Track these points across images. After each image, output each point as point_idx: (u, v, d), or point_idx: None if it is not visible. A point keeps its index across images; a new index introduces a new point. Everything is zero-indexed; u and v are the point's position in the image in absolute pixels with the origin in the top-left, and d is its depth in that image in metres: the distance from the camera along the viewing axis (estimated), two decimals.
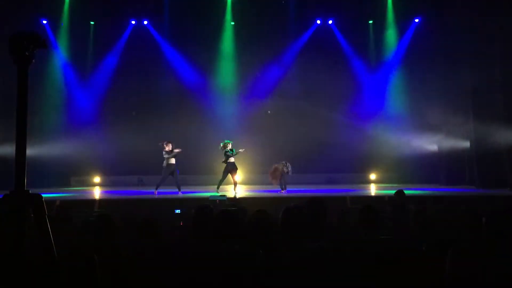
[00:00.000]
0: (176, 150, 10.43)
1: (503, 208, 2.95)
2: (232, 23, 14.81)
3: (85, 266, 2.35)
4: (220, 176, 10.88)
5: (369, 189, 12.31)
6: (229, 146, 10.74)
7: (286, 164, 10.80)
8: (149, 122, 13.86)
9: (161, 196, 10.05)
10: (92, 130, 13.80)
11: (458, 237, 3.10)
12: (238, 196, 9.70)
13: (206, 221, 3.41)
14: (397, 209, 4.95)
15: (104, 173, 14.61)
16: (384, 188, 11.37)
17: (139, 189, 12.47)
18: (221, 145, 10.77)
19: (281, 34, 14.49)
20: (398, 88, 14.56)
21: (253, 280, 2.70)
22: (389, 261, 2.81)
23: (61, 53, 14.34)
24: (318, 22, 14.83)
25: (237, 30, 14.78)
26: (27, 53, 1.85)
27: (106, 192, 11.98)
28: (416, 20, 14.35)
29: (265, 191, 11.15)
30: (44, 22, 14.03)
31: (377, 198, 9.39)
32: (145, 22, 14.74)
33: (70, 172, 14.47)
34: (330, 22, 14.85)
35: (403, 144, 13.72)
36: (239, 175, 11.36)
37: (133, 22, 14.65)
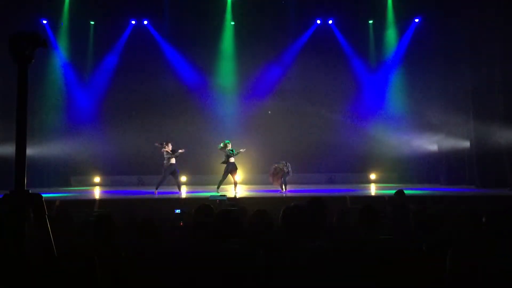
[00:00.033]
0: (180, 151, 10.44)
1: (503, 208, 2.95)
2: (232, 23, 14.81)
3: (85, 266, 2.35)
4: (220, 176, 10.88)
5: (369, 189, 12.31)
6: (229, 146, 10.75)
7: (286, 164, 10.80)
8: (149, 122, 13.87)
9: (161, 196, 10.05)
10: (92, 130, 13.80)
11: (458, 237, 3.10)
12: (238, 196, 9.70)
13: (206, 221, 3.41)
14: (397, 209, 4.95)
15: (104, 173, 14.61)
16: (384, 188, 11.37)
17: (139, 189, 12.47)
18: (221, 145, 10.77)
19: (281, 34, 14.48)
20: (398, 88, 14.54)
21: (253, 280, 2.70)
22: (389, 261, 2.81)
23: (61, 53, 14.33)
24: (318, 22, 14.82)
25: (237, 30, 14.77)
26: (27, 53, 1.85)
27: (106, 192, 11.98)
28: (416, 20, 14.34)
29: (265, 191, 11.15)
30: (44, 22, 14.03)
31: (377, 198, 9.39)
32: (145, 22, 14.73)
33: (70, 172, 14.47)
34: (330, 22, 14.84)
35: (403, 144, 13.72)
36: (239, 175, 11.36)
37: (133, 22, 14.64)
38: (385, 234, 3.46)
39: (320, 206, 3.90)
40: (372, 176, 14.71)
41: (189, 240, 3.44)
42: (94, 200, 8.74)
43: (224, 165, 10.75)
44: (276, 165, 10.88)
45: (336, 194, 9.76)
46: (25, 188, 1.85)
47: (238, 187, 10.91)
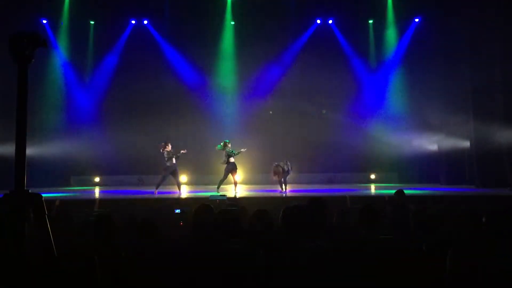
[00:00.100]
0: (182, 151, 10.44)
1: (503, 208, 2.95)
2: (232, 23, 14.81)
3: (85, 266, 2.35)
4: (220, 176, 10.88)
5: (369, 189, 12.31)
6: (229, 146, 10.74)
7: (286, 162, 10.81)
8: (149, 122, 13.86)
9: (161, 196, 10.05)
10: (92, 130, 13.80)
11: (458, 237, 3.10)
12: (238, 195, 9.70)
13: (206, 221, 3.41)
14: (397, 209, 4.95)
15: (104, 173, 14.61)
16: (384, 188, 11.37)
17: (139, 189, 12.47)
18: (221, 144, 10.76)
19: (281, 34, 14.48)
20: (398, 88, 14.55)
21: (253, 280, 2.70)
22: (389, 261, 2.81)
23: (61, 53, 14.34)
24: (318, 21, 14.83)
25: (237, 30, 14.77)
26: (27, 53, 1.85)
27: (106, 192, 11.97)
28: (416, 20, 14.35)
29: (265, 190, 11.15)
30: (44, 21, 14.04)
31: (377, 198, 9.39)
32: (145, 22, 14.74)
33: (70, 172, 14.48)
34: (330, 21, 14.85)
35: (403, 144, 13.72)
36: (239, 175, 11.37)
37: (133, 22, 14.65)
38: (385, 234, 3.46)
39: (320, 206, 3.91)
40: (372, 176, 14.71)
41: (189, 240, 3.44)
42: (94, 200, 8.74)
43: (224, 165, 10.75)
44: (276, 163, 10.89)
45: (336, 194, 9.75)
46: (25, 188, 1.85)
47: (238, 187, 10.91)
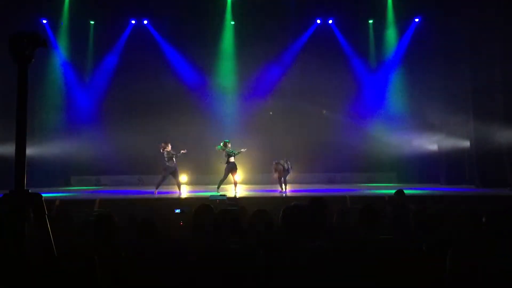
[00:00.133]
0: (182, 151, 10.44)
1: (503, 208, 2.95)
2: (232, 22, 14.82)
3: (85, 266, 2.35)
4: (220, 176, 10.88)
5: (369, 189, 12.31)
6: (229, 146, 10.74)
7: (286, 161, 10.82)
8: (149, 122, 13.87)
9: (161, 195, 10.05)
10: (92, 130, 13.81)
11: (458, 237, 3.10)
12: (238, 195, 9.70)
13: (206, 221, 3.41)
14: (397, 209, 4.95)
15: (104, 172, 14.62)
16: (384, 188, 11.37)
17: (139, 189, 12.47)
18: (221, 144, 10.75)
19: (281, 34, 14.48)
20: (398, 88, 14.56)
21: (253, 280, 2.70)
22: (389, 261, 2.81)
23: (61, 53, 14.35)
24: (318, 21, 14.83)
25: (237, 30, 14.78)
26: (27, 53, 1.85)
27: (106, 191, 11.97)
28: (416, 20, 14.35)
29: (265, 190, 11.15)
30: (44, 21, 14.05)
31: (377, 198, 9.38)
32: (145, 22, 14.74)
33: (70, 172, 14.48)
34: (330, 21, 14.85)
35: (403, 144, 13.72)
36: (239, 175, 11.37)
37: (133, 21, 14.65)
38: (385, 234, 3.46)
39: (320, 206, 3.91)
40: (372, 176, 14.71)
41: (189, 240, 3.44)
42: (94, 200, 8.73)
43: (225, 165, 10.74)
44: (276, 161, 10.89)
45: (336, 194, 9.75)
46: (25, 188, 1.85)
47: (238, 187, 10.90)
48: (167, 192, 10.62)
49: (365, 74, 15.00)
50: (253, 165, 13.45)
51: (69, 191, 11.86)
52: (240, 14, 14.47)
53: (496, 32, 11.66)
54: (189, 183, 13.39)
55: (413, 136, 13.66)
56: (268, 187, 11.87)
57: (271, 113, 14.97)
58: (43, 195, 1.90)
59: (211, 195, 8.94)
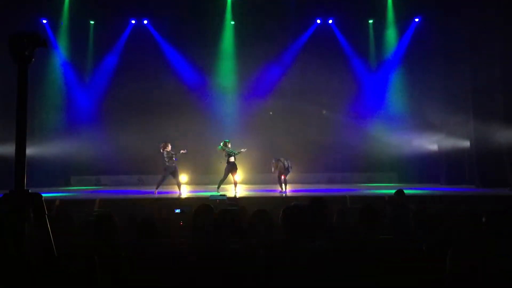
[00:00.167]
0: (182, 151, 10.45)
1: (503, 208, 2.95)
2: (232, 22, 14.82)
3: (85, 266, 2.35)
4: (220, 176, 10.88)
5: (369, 189, 12.31)
6: (229, 145, 10.74)
7: (286, 160, 10.82)
8: (149, 122, 13.87)
9: (161, 195, 10.05)
10: (92, 130, 13.81)
11: (458, 237, 3.10)
12: (238, 195, 9.70)
13: (206, 221, 3.41)
14: (397, 208, 4.95)
15: (104, 172, 14.62)
16: (384, 188, 11.37)
17: (139, 189, 12.48)
18: (221, 144, 10.75)
19: (281, 34, 14.48)
20: (398, 88, 14.56)
21: (253, 280, 2.70)
22: (389, 261, 2.81)
23: (61, 53, 14.36)
24: (318, 21, 14.84)
25: (237, 30, 14.78)
26: (27, 53, 1.85)
27: (106, 191, 11.97)
28: (416, 20, 14.36)
29: (265, 190, 11.15)
30: (44, 21, 14.05)
31: (377, 198, 9.39)
32: (145, 22, 14.75)
33: (70, 172, 14.48)
34: (330, 21, 14.86)
35: (403, 144, 13.72)
36: (239, 175, 11.37)
37: (133, 21, 14.65)
38: (385, 234, 3.46)
39: (320, 206, 3.91)
40: (372, 176, 14.71)
41: (189, 240, 3.44)
42: (94, 200, 8.73)
43: (225, 165, 10.74)
44: (276, 158, 10.88)
45: (336, 194, 9.75)
46: (25, 188, 1.85)
47: (238, 187, 10.90)
48: (167, 192, 10.62)
49: (365, 74, 15.00)
50: (253, 165, 13.46)
51: (69, 191, 11.86)
52: (240, 14, 14.47)
53: (496, 32, 11.66)
54: (189, 183, 13.39)
55: (413, 136, 13.66)
56: (268, 187, 11.87)
57: (271, 113, 14.97)
58: (43, 195, 1.90)
59: (211, 195, 8.94)
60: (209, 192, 10.04)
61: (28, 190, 1.85)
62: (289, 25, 14.57)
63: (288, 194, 10.43)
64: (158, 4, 14.21)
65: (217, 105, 14.65)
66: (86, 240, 3.35)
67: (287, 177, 10.87)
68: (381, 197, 9.01)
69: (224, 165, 10.77)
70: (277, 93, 14.76)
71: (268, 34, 14.05)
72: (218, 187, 10.64)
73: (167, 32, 14.72)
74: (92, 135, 13.69)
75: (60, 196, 9.74)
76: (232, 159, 10.66)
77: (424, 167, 13.92)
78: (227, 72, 14.90)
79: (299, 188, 11.67)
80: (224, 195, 9.01)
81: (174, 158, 10.30)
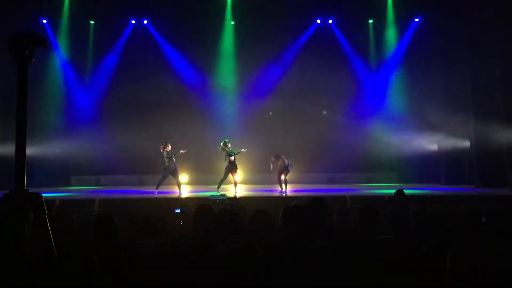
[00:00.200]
0: (182, 151, 10.45)
1: (503, 208, 2.95)
2: (232, 22, 14.82)
3: (85, 266, 2.35)
4: (220, 175, 10.88)
5: (369, 189, 12.31)
6: (229, 145, 10.74)
7: (286, 158, 10.82)
8: (149, 122, 13.88)
9: (161, 195, 10.05)
10: (92, 130, 13.81)
11: (458, 237, 3.10)
12: (238, 195, 9.70)
13: (206, 221, 3.41)
14: (397, 208, 4.95)
15: (104, 172, 14.62)
16: (384, 188, 11.37)
17: (139, 188, 12.48)
18: (221, 144, 10.75)
19: (281, 34, 14.48)
20: (398, 88, 14.56)
21: (253, 280, 2.70)
22: (389, 261, 2.81)
23: (61, 53, 14.35)
24: (318, 21, 14.83)
25: (237, 30, 14.78)
26: (27, 53, 1.85)
27: (106, 191, 11.97)
28: (416, 20, 14.35)
29: (265, 190, 11.15)
30: (44, 21, 14.05)
31: (377, 198, 9.39)
32: (145, 22, 14.74)
33: (70, 172, 14.48)
34: (330, 21, 14.85)
35: (403, 144, 13.72)
36: (239, 175, 11.37)
37: (133, 21, 14.65)
38: (385, 234, 3.46)
39: (320, 206, 3.91)
40: (372, 176, 14.71)
41: (189, 240, 3.44)
42: (94, 200, 8.74)
43: (227, 164, 10.74)
44: (275, 155, 10.86)
45: (336, 194, 9.74)
46: (25, 188, 1.85)
47: (238, 186, 10.90)
48: (167, 192, 10.62)
49: (365, 74, 14.99)
50: (253, 165, 13.45)
51: (69, 191, 11.86)
52: (240, 14, 14.47)
53: (496, 32, 11.66)
54: (190, 182, 13.40)
55: (413, 136, 13.66)
56: (268, 187, 11.87)
57: (271, 113, 14.98)
58: (43, 195, 1.90)
59: (211, 195, 8.94)
60: (209, 192, 10.04)
61: (28, 190, 1.85)
62: (289, 25, 14.57)
63: (288, 194, 10.42)
64: (158, 4, 14.22)
65: (217, 105, 14.65)
66: (86, 240, 3.36)
67: (287, 177, 10.85)
68: (381, 197, 9.01)
69: (224, 165, 10.78)
70: (277, 93, 14.76)
71: (268, 34, 14.05)
72: (218, 187, 10.64)
73: (167, 32, 14.72)
74: (92, 135, 13.69)
75: (60, 196, 9.74)
76: (232, 158, 10.66)
77: (424, 167, 13.92)
78: (227, 72, 14.90)
79: (299, 188, 11.67)
80: (224, 195, 9.01)
81: (173, 159, 10.30)
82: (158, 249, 3.01)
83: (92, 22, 14.48)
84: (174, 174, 10.38)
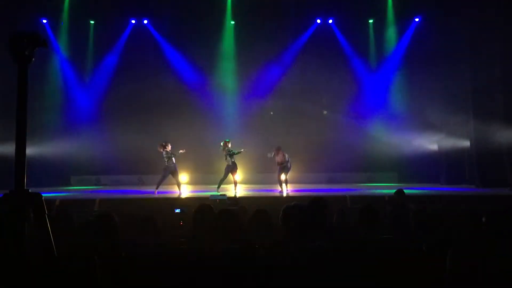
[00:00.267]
0: (181, 151, 10.46)
1: (503, 207, 2.95)
2: (232, 22, 14.82)
3: (85, 266, 2.35)
4: (220, 175, 10.88)
5: (369, 189, 12.31)
6: (229, 145, 10.74)
7: (287, 154, 10.82)
8: (149, 122, 13.87)
9: (161, 195, 10.05)
10: (92, 129, 13.81)
11: (458, 237, 3.10)
12: (238, 195, 9.69)
13: (206, 221, 3.41)
14: (397, 208, 4.95)
15: (104, 172, 14.62)
16: (384, 188, 11.37)
17: (139, 188, 12.48)
18: (221, 144, 10.74)
19: (281, 33, 14.48)
20: (398, 88, 14.56)
21: (253, 280, 2.70)
22: (389, 261, 2.81)
23: (61, 53, 14.35)
24: (318, 21, 14.83)
25: (237, 30, 14.78)
26: (27, 53, 1.85)
27: (106, 191, 11.98)
28: (416, 20, 14.36)
29: (265, 190, 11.15)
30: (44, 21, 14.05)
31: (377, 197, 9.39)
32: (145, 22, 14.74)
33: (70, 172, 14.48)
34: (330, 21, 14.85)
35: (403, 144, 13.72)
36: (239, 175, 11.37)
37: (133, 21, 14.65)
38: (385, 234, 3.46)
39: (321, 206, 3.91)
40: (372, 176, 14.71)
41: (189, 240, 3.44)
42: (94, 200, 8.74)
43: (228, 164, 10.73)
44: (275, 149, 10.82)
45: (336, 194, 9.74)
46: (25, 188, 1.85)
47: (238, 186, 10.90)
48: (167, 192, 10.62)
49: (365, 74, 14.99)
50: (253, 165, 13.45)
51: (69, 191, 11.86)
52: (240, 14, 14.46)
53: (496, 32, 11.66)
54: (190, 182, 13.40)
55: (413, 136, 13.66)
56: (268, 187, 11.87)
57: (271, 113, 14.97)
58: (43, 195, 1.90)
59: (211, 195, 8.94)
60: (209, 192, 10.04)
61: (28, 190, 1.85)
62: (289, 25, 14.57)
63: (288, 194, 10.41)
64: (158, 4, 14.22)
65: (217, 105, 14.65)
66: (86, 240, 3.36)
67: (287, 177, 10.83)
68: (381, 197, 9.01)
69: (224, 165, 10.78)
70: (277, 93, 14.75)
71: (268, 34, 14.05)
72: (218, 187, 10.64)
73: (167, 32, 14.72)
74: (92, 135, 13.69)
75: (60, 196, 9.74)
76: (232, 159, 10.66)
77: (424, 167, 13.92)
78: (227, 72, 14.89)
79: (299, 188, 11.67)
80: (224, 195, 9.01)
81: (173, 158, 10.31)
82: (158, 249, 3.01)
83: (92, 22, 14.48)
84: (174, 173, 10.39)
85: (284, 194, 10.36)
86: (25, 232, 1.81)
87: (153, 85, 14.18)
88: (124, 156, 13.77)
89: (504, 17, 11.45)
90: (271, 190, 11.00)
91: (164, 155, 10.30)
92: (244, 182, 13.18)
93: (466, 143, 12.93)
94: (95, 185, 14.38)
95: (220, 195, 9.03)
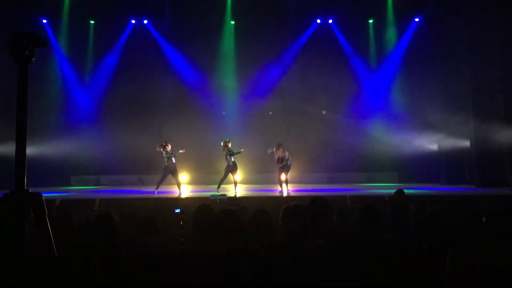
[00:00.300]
0: (180, 151, 10.46)
1: (503, 207, 2.95)
2: (232, 22, 14.82)
3: (85, 266, 2.35)
4: (220, 175, 10.88)
5: (369, 189, 12.30)
6: (229, 145, 10.74)
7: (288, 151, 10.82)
8: (149, 122, 13.87)
9: (161, 195, 10.05)
10: (92, 129, 13.81)
11: (458, 237, 3.10)
12: (238, 195, 9.69)
13: (206, 221, 3.41)
14: (397, 208, 4.94)
15: (104, 172, 14.62)
16: (384, 188, 11.37)
17: (139, 188, 12.48)
18: (222, 144, 10.74)
19: (281, 33, 14.49)
20: (398, 88, 14.56)
21: (253, 280, 2.70)
22: (389, 261, 2.81)
23: (61, 53, 14.35)
24: (318, 21, 14.83)
25: (237, 29, 14.78)
26: (27, 53, 1.85)
27: (106, 191, 11.97)
28: (416, 20, 14.36)
29: (265, 190, 11.14)
30: (44, 21, 14.05)
31: (377, 197, 9.39)
32: (145, 22, 14.74)
33: (70, 172, 14.48)
34: (330, 21, 14.85)
35: (403, 144, 13.72)
36: (239, 175, 11.37)
37: (133, 21, 14.65)
38: (385, 234, 3.46)
39: (321, 206, 3.91)
40: (372, 176, 14.71)
41: (189, 240, 3.44)
42: (94, 200, 8.73)
43: (229, 164, 10.73)
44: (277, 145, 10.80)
45: (336, 194, 9.74)
46: (25, 188, 1.85)
47: (238, 186, 10.90)
48: (167, 192, 10.62)
49: (365, 74, 14.99)
50: (253, 165, 13.45)
51: (69, 191, 11.86)
52: (240, 14, 14.47)
53: (496, 32, 11.65)
54: (190, 182, 13.40)
55: (413, 136, 13.66)
56: (268, 187, 11.87)
57: (271, 113, 14.97)
58: (43, 195, 1.90)
59: (211, 195, 8.94)
60: (209, 192, 10.04)
61: (28, 190, 1.85)
62: (289, 25, 14.57)
63: (288, 194, 10.40)
64: (158, 4, 14.22)
65: (217, 105, 14.65)
66: (86, 240, 3.36)
67: (287, 176, 10.82)
68: (381, 197, 9.00)
69: (224, 165, 10.78)
70: (277, 93, 14.75)
71: (268, 34, 14.05)
72: (218, 187, 10.65)
73: (167, 32, 14.72)
74: (92, 135, 13.69)
75: (60, 196, 9.74)
76: (232, 159, 10.67)
77: (424, 167, 13.92)
78: (227, 72, 14.89)
79: (299, 188, 11.66)
80: (224, 195, 9.01)
81: (173, 158, 10.31)
82: (158, 249, 3.01)
83: (92, 22, 14.48)
84: (174, 173, 10.39)
85: (284, 194, 10.35)
86: (25, 232, 1.81)
87: (153, 85, 14.18)
88: (124, 156, 13.77)
89: (504, 17, 11.44)
90: (271, 190, 10.99)
91: (164, 155, 10.30)
92: (244, 182, 13.18)
93: (466, 143, 12.93)
94: (95, 185, 14.38)
95: (220, 195, 9.04)
